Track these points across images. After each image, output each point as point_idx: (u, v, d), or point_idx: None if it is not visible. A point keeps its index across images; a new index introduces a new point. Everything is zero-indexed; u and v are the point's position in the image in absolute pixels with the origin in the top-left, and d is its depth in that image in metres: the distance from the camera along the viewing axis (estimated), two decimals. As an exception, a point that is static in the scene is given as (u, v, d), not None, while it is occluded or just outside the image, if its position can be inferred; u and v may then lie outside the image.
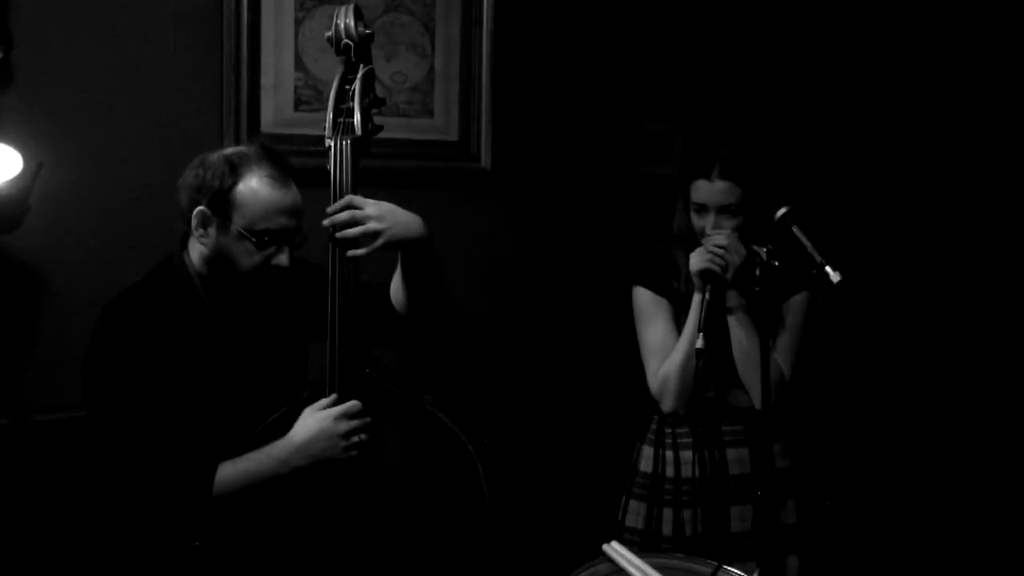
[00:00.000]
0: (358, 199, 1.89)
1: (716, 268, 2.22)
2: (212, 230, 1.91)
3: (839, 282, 1.83)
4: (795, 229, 1.95)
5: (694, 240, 2.34)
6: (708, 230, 2.29)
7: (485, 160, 3.00)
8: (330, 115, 1.95)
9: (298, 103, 2.76)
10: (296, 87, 2.75)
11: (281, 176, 1.91)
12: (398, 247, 1.96)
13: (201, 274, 1.97)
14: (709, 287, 2.23)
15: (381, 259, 1.99)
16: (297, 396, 1.93)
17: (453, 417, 1.93)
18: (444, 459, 1.91)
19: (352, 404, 1.87)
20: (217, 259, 1.93)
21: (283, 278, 1.98)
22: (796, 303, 2.39)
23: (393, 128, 2.92)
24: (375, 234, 1.88)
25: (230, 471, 1.84)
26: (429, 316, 2.13)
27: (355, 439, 1.86)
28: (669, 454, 2.40)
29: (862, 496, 3.37)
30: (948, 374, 3.58)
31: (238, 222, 1.88)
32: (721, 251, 2.23)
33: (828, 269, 1.85)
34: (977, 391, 3.58)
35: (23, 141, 2.24)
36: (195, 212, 1.90)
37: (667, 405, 2.38)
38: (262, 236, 1.89)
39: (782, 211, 1.97)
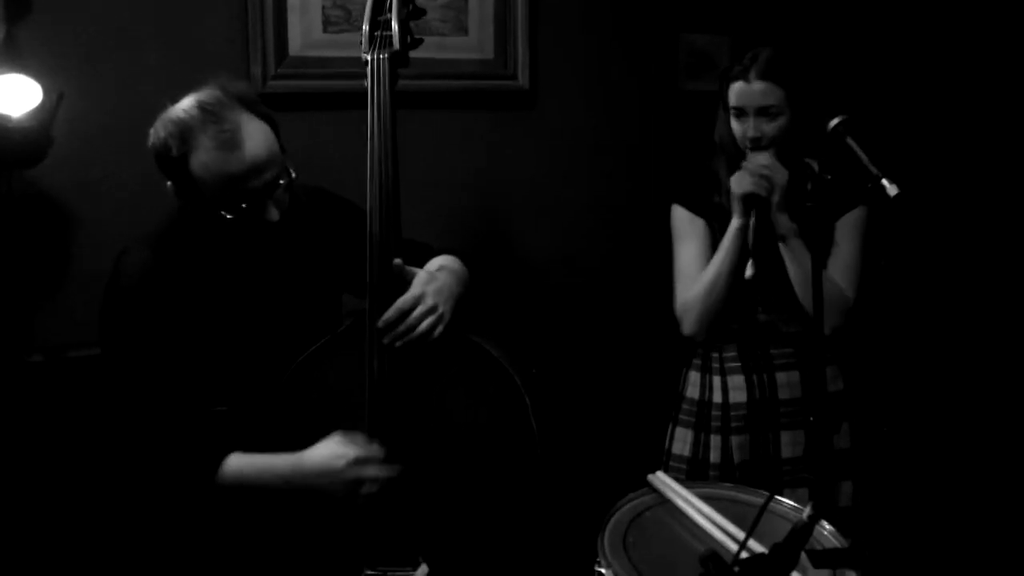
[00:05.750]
0: (408, 298, 1.79)
1: (762, 192, 2.14)
2: (189, 200, 1.80)
3: (897, 196, 1.72)
4: (849, 140, 1.83)
5: (736, 150, 2.25)
6: (749, 134, 2.18)
7: (522, 78, 2.90)
8: (366, 27, 1.87)
9: (327, 24, 2.66)
10: (324, 7, 2.66)
11: (231, 138, 1.72)
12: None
13: None
14: (754, 212, 2.15)
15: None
16: (336, 328, 1.88)
17: (500, 348, 1.87)
18: (491, 392, 1.85)
19: (373, 451, 1.79)
20: (211, 220, 1.81)
21: (316, 214, 1.92)
22: (852, 219, 2.27)
23: (426, 48, 2.81)
24: (439, 317, 1.81)
25: (238, 466, 1.79)
26: None
27: (363, 487, 1.79)
28: (716, 379, 2.34)
29: (919, 420, 3.28)
30: (1017, 293, 3.44)
31: (206, 195, 1.76)
32: (765, 171, 2.14)
33: (885, 182, 1.74)
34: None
35: (42, 71, 2.18)
36: (167, 186, 1.80)
37: (686, 329, 2.32)
38: (236, 205, 1.76)
39: (835, 121, 1.85)
